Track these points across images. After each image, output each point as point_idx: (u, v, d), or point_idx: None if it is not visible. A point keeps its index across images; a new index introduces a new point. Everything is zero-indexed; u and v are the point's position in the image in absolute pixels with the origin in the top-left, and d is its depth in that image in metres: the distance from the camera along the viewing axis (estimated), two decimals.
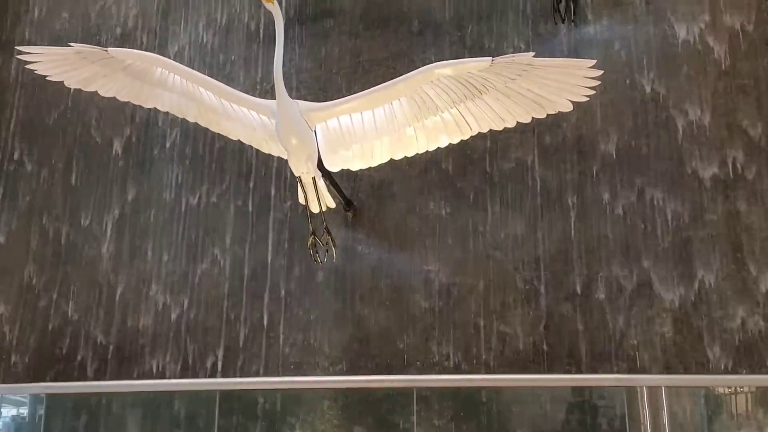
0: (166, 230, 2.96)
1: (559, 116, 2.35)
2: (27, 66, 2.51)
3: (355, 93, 2.37)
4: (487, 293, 2.62)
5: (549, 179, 2.67)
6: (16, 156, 3.21)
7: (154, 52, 2.97)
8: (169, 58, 2.64)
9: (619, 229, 2.58)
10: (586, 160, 2.66)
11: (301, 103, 2.39)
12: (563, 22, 2.73)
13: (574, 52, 2.74)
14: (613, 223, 2.59)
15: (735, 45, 2.66)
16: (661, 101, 2.65)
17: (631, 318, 2.50)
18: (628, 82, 2.69)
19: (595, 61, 2.12)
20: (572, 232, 2.61)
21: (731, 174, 2.55)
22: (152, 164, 3.05)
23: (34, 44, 3.20)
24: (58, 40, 3.25)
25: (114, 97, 2.54)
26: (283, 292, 2.78)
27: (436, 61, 2.25)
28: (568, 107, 2.20)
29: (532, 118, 2.22)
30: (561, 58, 2.51)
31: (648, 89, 2.67)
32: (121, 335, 2.88)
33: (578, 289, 2.55)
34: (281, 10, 2.43)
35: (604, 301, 2.53)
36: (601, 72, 2.12)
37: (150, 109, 2.82)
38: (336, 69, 2.97)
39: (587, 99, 2.17)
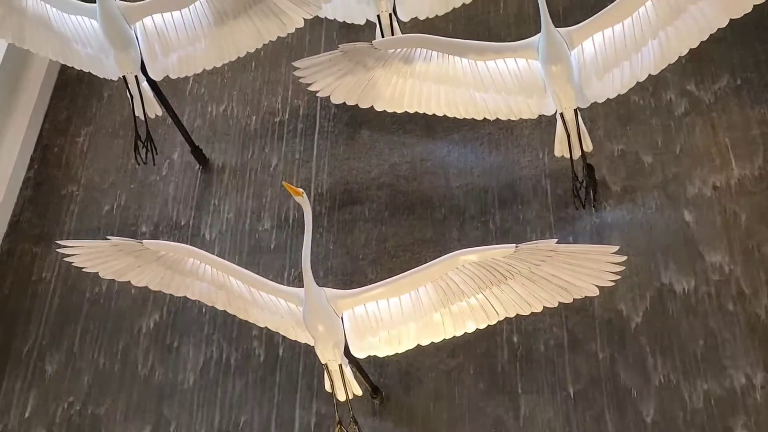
0: None
1: (587, 298, 2.34)
2: (65, 259, 2.60)
3: (381, 280, 2.40)
4: None
5: (580, 363, 2.62)
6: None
7: (186, 242, 3.08)
8: (201, 247, 2.71)
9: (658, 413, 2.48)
10: (616, 344, 2.62)
11: (328, 290, 2.42)
12: (584, 207, 2.80)
13: (597, 236, 2.78)
14: (648, 405, 2.50)
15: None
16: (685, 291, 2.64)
17: None
18: (652, 265, 2.71)
19: (618, 246, 2.15)
20: (608, 419, 2.51)
21: None
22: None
23: (74, 237, 3.33)
24: (96, 231, 3.38)
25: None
26: None
27: (460, 248, 2.29)
28: (594, 292, 2.21)
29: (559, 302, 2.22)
30: (584, 245, 2.55)
31: (669, 279, 2.66)
32: None
33: None
34: (310, 200, 2.52)
35: None
36: (625, 257, 2.14)
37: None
38: (362, 255, 3.03)
39: (613, 284, 2.17)
